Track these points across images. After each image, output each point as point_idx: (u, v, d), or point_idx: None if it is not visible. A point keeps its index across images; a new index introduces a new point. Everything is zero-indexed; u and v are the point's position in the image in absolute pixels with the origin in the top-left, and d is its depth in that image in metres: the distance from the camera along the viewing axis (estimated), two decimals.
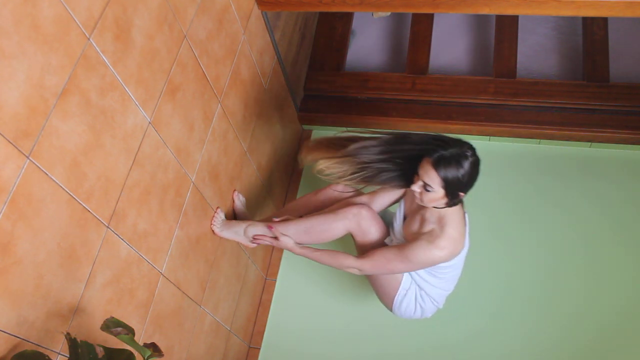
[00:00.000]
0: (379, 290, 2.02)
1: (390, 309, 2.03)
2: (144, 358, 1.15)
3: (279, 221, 2.03)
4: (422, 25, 3.06)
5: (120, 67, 1.40)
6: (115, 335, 1.14)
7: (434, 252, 1.72)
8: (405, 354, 2.48)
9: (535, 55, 3.04)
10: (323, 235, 1.98)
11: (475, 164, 1.64)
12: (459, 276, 1.95)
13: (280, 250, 2.78)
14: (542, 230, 2.62)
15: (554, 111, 2.77)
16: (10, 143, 1.10)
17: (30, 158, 1.15)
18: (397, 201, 2.01)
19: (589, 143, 2.78)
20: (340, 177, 1.83)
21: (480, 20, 3.23)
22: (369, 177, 1.80)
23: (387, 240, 1.97)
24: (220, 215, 2.08)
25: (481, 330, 2.46)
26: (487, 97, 2.83)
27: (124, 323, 1.17)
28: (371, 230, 1.94)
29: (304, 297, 2.66)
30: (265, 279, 2.74)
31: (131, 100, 1.47)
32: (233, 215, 2.23)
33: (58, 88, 1.21)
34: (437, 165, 1.61)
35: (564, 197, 2.69)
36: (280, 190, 2.83)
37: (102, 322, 1.17)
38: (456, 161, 1.60)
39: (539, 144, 2.83)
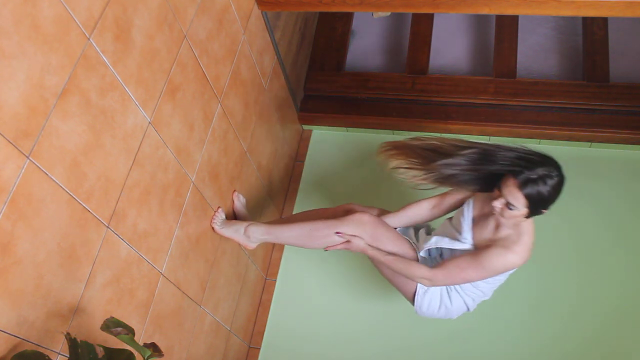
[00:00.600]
0: (400, 288, 1.99)
1: (411, 302, 2.01)
2: (144, 358, 1.14)
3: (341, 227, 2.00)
4: (422, 25, 3.06)
5: (120, 67, 1.40)
6: (115, 335, 1.14)
7: (509, 257, 1.70)
8: (406, 354, 2.48)
9: (535, 55, 3.04)
10: (325, 240, 1.97)
11: (560, 183, 1.63)
12: (501, 283, 1.93)
13: (280, 250, 2.78)
14: (541, 230, 2.61)
15: (554, 111, 2.77)
16: (10, 143, 1.10)
17: (30, 158, 1.15)
18: (461, 204, 1.94)
19: (589, 143, 2.78)
20: (415, 177, 1.79)
21: (480, 20, 3.23)
22: (444, 180, 1.77)
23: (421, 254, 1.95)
24: (221, 215, 2.09)
25: (481, 330, 2.46)
26: (487, 97, 2.83)
27: (124, 323, 1.17)
28: (378, 236, 1.92)
29: (304, 297, 2.66)
30: (265, 279, 2.74)
31: (131, 100, 1.47)
32: (233, 216, 2.23)
33: (58, 88, 1.21)
34: (523, 187, 1.59)
35: (564, 197, 2.68)
36: (280, 191, 2.84)
37: (102, 322, 1.17)
38: (542, 182, 1.58)
39: (539, 144, 2.83)
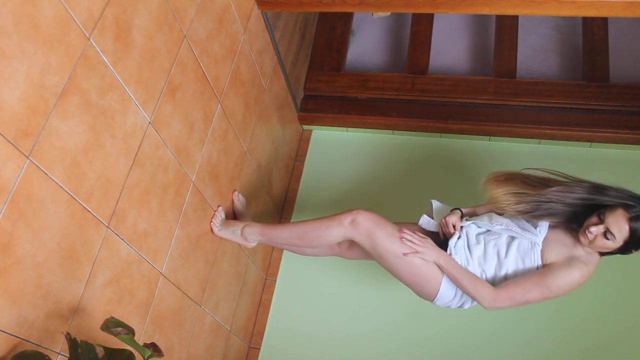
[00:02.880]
0: (418, 286, 1.91)
1: (430, 299, 1.94)
2: (144, 358, 1.14)
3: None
4: (422, 25, 3.06)
5: (120, 67, 1.40)
6: (115, 335, 1.14)
7: (574, 275, 1.70)
8: (406, 353, 2.48)
9: (535, 55, 3.04)
10: (317, 241, 1.94)
11: None
12: None
13: (280, 250, 2.79)
14: None
15: (554, 111, 2.77)
16: (10, 143, 1.10)
17: (30, 158, 1.15)
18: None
19: (589, 143, 2.78)
20: (510, 205, 1.79)
21: (480, 20, 3.23)
22: (543, 209, 1.77)
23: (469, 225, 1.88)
24: (221, 214, 2.09)
25: (482, 329, 2.46)
26: (487, 97, 2.83)
27: (124, 323, 1.17)
28: (373, 232, 1.86)
29: (304, 297, 2.66)
30: (265, 279, 2.74)
31: (131, 100, 1.47)
32: (233, 216, 2.23)
33: (58, 88, 1.21)
34: (632, 220, 1.62)
35: None
36: (280, 191, 2.84)
37: (102, 322, 1.17)
38: None
39: (539, 144, 2.83)
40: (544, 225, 1.81)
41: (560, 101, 2.77)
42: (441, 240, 1.96)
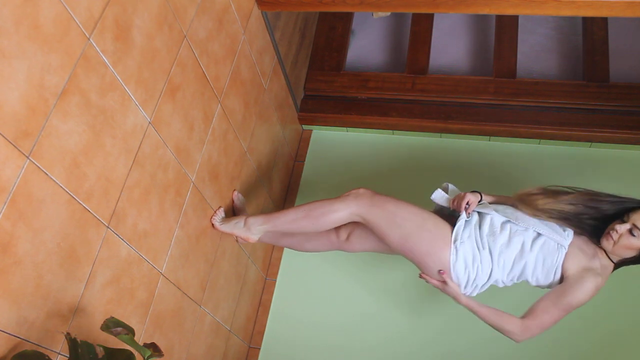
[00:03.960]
0: (426, 254, 1.86)
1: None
2: (144, 358, 1.14)
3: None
4: (422, 25, 3.06)
5: (120, 67, 1.40)
6: (115, 335, 1.14)
7: (590, 289, 1.71)
8: (407, 353, 2.48)
9: (535, 55, 3.04)
10: (324, 218, 1.92)
11: None
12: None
13: (280, 250, 2.79)
14: None
15: (554, 111, 2.77)
16: (10, 143, 1.10)
17: (30, 158, 1.15)
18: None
19: (589, 143, 2.78)
20: (546, 209, 1.80)
21: (480, 20, 3.23)
22: (572, 219, 1.80)
23: (458, 226, 1.84)
24: (221, 215, 2.09)
25: (484, 329, 2.46)
26: (487, 97, 2.83)
27: (124, 323, 1.17)
28: (376, 205, 1.85)
29: (304, 297, 2.66)
30: (265, 279, 2.74)
31: (131, 100, 1.47)
32: (233, 215, 2.23)
33: (58, 88, 1.21)
34: None
35: None
36: (280, 191, 2.84)
37: (102, 322, 1.17)
38: None
39: (539, 144, 2.83)
40: (571, 230, 1.81)
41: (560, 101, 2.77)
42: (448, 213, 1.95)
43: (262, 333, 2.62)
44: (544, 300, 1.76)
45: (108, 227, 1.43)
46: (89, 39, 1.28)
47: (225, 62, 1.99)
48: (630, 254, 1.72)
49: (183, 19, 1.68)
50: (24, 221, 1.15)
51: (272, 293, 2.70)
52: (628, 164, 2.72)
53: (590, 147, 2.79)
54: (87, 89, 1.29)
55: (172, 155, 1.71)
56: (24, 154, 1.13)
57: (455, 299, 1.83)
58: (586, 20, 2.96)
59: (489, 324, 1.80)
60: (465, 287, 1.85)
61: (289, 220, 1.99)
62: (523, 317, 1.77)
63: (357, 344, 2.53)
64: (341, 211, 1.90)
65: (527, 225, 1.81)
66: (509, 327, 1.76)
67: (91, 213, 1.36)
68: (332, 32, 3.14)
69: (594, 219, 1.80)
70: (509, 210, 1.87)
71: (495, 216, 1.85)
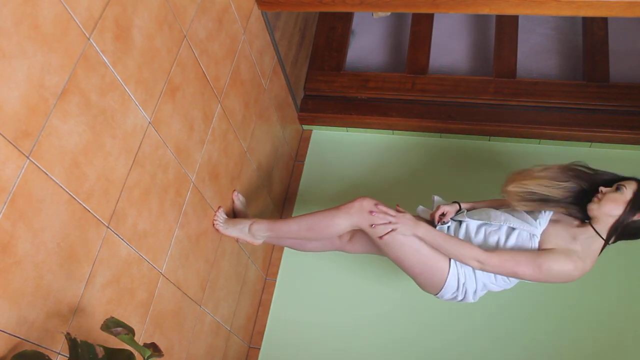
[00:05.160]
0: (425, 277, 1.90)
1: (436, 291, 1.93)
2: (144, 358, 1.14)
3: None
4: (422, 25, 3.06)
5: (120, 67, 1.40)
6: (115, 335, 1.14)
7: (568, 267, 1.70)
8: (407, 352, 2.48)
9: (535, 55, 3.04)
10: (326, 230, 1.94)
11: None
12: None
13: (280, 250, 2.79)
14: None
15: (554, 111, 2.77)
16: (10, 143, 1.10)
17: (30, 158, 1.15)
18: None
19: (589, 143, 2.78)
20: (520, 196, 1.81)
21: (480, 20, 3.23)
22: (549, 200, 1.81)
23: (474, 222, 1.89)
24: (222, 215, 2.09)
25: (485, 328, 2.47)
26: (487, 97, 2.83)
27: (124, 323, 1.17)
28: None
29: (304, 297, 2.66)
30: (265, 279, 2.74)
31: (131, 100, 1.47)
32: (233, 216, 2.23)
33: (58, 88, 1.21)
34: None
35: None
36: (280, 191, 2.84)
37: (102, 322, 1.17)
38: None
39: (539, 144, 2.83)
40: (544, 218, 1.81)
41: (560, 101, 2.77)
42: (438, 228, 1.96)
43: (262, 333, 2.62)
44: (519, 251, 1.76)
45: (108, 227, 1.43)
46: (89, 39, 1.28)
47: (225, 62, 1.99)
48: (616, 211, 1.70)
49: (183, 19, 1.68)
50: (24, 221, 1.15)
51: (272, 293, 2.70)
52: (628, 164, 2.72)
53: (590, 147, 2.79)
54: (87, 89, 1.29)
55: (172, 155, 1.71)
56: (24, 154, 1.13)
57: (414, 233, 1.83)
58: (586, 20, 2.96)
59: (449, 251, 1.80)
60: (457, 291, 1.89)
61: (293, 230, 2.02)
62: (490, 251, 1.77)
63: (357, 344, 2.53)
64: (344, 224, 1.92)
65: (500, 223, 1.84)
66: (472, 253, 1.77)
67: (91, 213, 1.36)
68: (332, 32, 3.14)
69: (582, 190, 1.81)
70: (484, 213, 1.91)
71: (470, 222, 1.89)
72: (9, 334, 1.15)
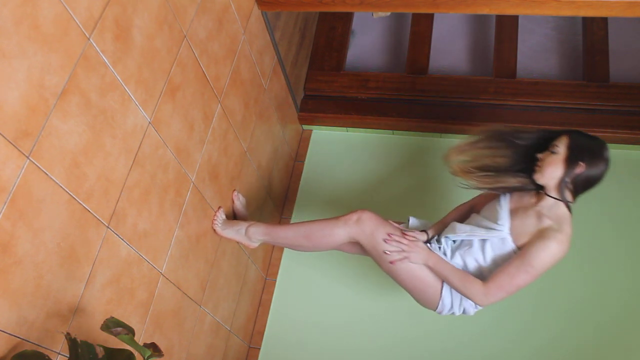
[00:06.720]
0: (420, 295, 1.93)
1: (433, 307, 1.95)
2: (144, 358, 1.14)
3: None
4: (422, 25, 3.06)
5: (120, 67, 1.40)
6: (115, 335, 1.14)
7: (552, 248, 1.68)
8: (407, 352, 2.48)
9: (535, 55, 3.04)
10: (323, 240, 1.96)
11: (605, 157, 1.72)
12: None
13: (280, 250, 2.79)
14: None
15: (554, 111, 2.77)
16: (10, 143, 1.10)
17: (30, 158, 1.15)
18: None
19: None
20: (470, 172, 1.84)
21: (480, 20, 3.23)
22: (495, 170, 1.83)
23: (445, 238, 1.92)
24: (222, 215, 2.09)
25: (484, 328, 2.47)
26: (487, 97, 2.83)
27: (124, 323, 1.17)
28: (378, 233, 1.89)
29: (304, 297, 2.66)
30: (265, 279, 2.74)
31: (131, 100, 1.47)
32: (233, 216, 2.23)
33: (58, 88, 1.21)
34: (572, 132, 1.74)
35: None
36: (280, 190, 2.84)
37: (102, 322, 1.17)
38: (589, 137, 1.73)
39: None
40: (504, 217, 1.81)
41: (560, 101, 2.77)
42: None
43: (262, 333, 2.62)
44: (507, 264, 1.76)
45: (108, 227, 1.43)
46: (89, 39, 1.28)
47: (225, 62, 1.99)
48: (557, 172, 1.71)
49: (183, 19, 1.68)
50: (24, 221, 1.15)
51: (272, 293, 2.70)
52: (628, 164, 2.72)
53: None
54: (87, 89, 1.29)
55: (172, 155, 1.71)
56: (24, 154, 1.13)
57: (425, 263, 1.85)
58: (586, 20, 2.96)
59: (454, 285, 1.82)
60: (452, 307, 1.91)
61: (289, 237, 2.02)
62: (486, 282, 1.78)
63: (357, 344, 2.53)
64: (342, 235, 1.93)
65: (468, 238, 1.86)
66: (472, 289, 1.78)
67: (91, 213, 1.36)
68: (332, 32, 3.14)
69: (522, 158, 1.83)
70: (449, 229, 1.93)
71: (447, 248, 1.91)
72: (9, 334, 1.15)
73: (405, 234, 1.89)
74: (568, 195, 1.75)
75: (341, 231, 1.92)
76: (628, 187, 2.67)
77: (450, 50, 3.14)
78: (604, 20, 2.94)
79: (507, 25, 2.97)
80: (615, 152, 2.74)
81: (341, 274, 2.66)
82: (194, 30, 1.75)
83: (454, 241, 1.93)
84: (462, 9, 2.00)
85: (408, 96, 2.91)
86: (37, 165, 1.17)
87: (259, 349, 2.60)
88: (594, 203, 2.64)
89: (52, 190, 1.23)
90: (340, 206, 2.78)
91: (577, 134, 1.74)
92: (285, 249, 2.78)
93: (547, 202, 1.76)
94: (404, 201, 2.76)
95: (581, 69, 2.91)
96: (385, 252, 1.86)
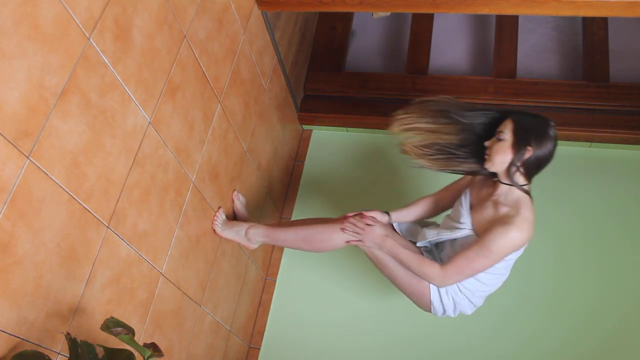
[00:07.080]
0: (412, 295, 1.95)
1: (428, 309, 1.97)
2: (144, 358, 1.14)
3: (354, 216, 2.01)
4: (422, 25, 3.06)
5: (120, 67, 1.40)
6: (115, 335, 1.14)
7: (512, 234, 1.67)
8: (407, 352, 2.48)
9: (535, 55, 3.04)
10: (322, 245, 1.99)
11: (551, 136, 1.71)
12: (506, 276, 1.90)
13: (280, 250, 2.79)
14: (543, 231, 2.61)
15: (554, 111, 2.77)
16: (10, 143, 1.10)
17: (30, 158, 1.15)
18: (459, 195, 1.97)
19: (589, 143, 2.78)
20: (417, 148, 1.85)
21: (480, 20, 3.23)
22: (446, 152, 1.82)
23: (420, 244, 1.95)
24: (222, 216, 2.09)
25: (485, 328, 2.47)
26: (487, 97, 2.83)
27: (124, 323, 1.17)
28: (379, 245, 1.92)
29: (304, 297, 2.66)
30: (265, 279, 2.74)
31: (131, 100, 1.47)
32: (233, 216, 2.23)
33: (58, 88, 1.21)
34: (515, 115, 1.72)
35: (564, 197, 2.69)
36: (280, 190, 2.83)
37: (102, 322, 1.17)
38: (532, 116, 1.72)
39: None
40: (465, 215, 1.82)
41: (560, 101, 2.77)
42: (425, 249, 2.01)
43: (262, 333, 2.62)
44: (466, 248, 1.76)
45: (108, 227, 1.43)
46: (89, 39, 1.28)
47: (225, 62, 1.99)
48: (506, 158, 1.70)
49: (183, 19, 1.68)
50: (24, 221, 1.15)
51: (272, 293, 2.70)
52: (628, 164, 2.72)
53: (590, 147, 2.79)
54: (87, 89, 1.29)
55: (172, 155, 1.71)
56: (24, 154, 1.13)
57: (379, 246, 1.89)
58: (586, 20, 2.96)
59: (411, 269, 1.84)
60: (445, 311, 1.94)
61: (289, 239, 2.04)
62: (444, 264, 1.79)
63: (357, 344, 2.53)
64: (340, 240, 1.97)
65: (437, 241, 1.90)
66: (429, 272, 1.80)
67: (91, 213, 1.36)
68: (332, 32, 3.14)
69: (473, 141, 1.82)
70: (420, 243, 1.96)
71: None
72: (9, 334, 1.15)
73: (364, 216, 1.94)
74: (520, 179, 1.73)
75: (340, 236, 1.96)
76: (629, 187, 2.68)
77: (450, 50, 3.14)
78: (604, 20, 2.94)
79: (507, 25, 2.97)
80: (616, 152, 2.76)
81: (341, 274, 2.66)
82: (194, 30, 1.75)
83: (436, 245, 1.97)
84: (462, 9, 2.00)
85: (408, 96, 2.90)
86: (37, 165, 1.17)
87: (259, 349, 2.60)
88: (593, 204, 2.65)
89: (52, 190, 1.23)
90: (340, 206, 2.78)
91: (519, 115, 1.72)
92: (285, 250, 2.78)
93: (502, 189, 1.76)
94: (404, 201, 2.75)
95: (581, 69, 2.91)
96: (342, 230, 1.94)
